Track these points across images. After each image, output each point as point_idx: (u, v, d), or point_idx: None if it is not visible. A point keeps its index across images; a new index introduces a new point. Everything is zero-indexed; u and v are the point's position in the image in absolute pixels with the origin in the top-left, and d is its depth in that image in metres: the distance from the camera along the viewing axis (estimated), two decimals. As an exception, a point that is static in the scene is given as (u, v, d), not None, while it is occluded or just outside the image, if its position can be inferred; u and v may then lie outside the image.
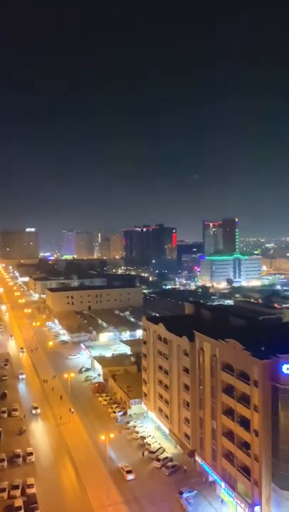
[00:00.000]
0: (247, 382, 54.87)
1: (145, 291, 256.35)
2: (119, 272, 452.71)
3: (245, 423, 55.19)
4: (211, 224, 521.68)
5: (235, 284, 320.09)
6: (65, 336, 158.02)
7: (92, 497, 60.68)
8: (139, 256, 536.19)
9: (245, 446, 55.13)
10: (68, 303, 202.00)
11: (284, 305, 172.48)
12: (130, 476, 65.26)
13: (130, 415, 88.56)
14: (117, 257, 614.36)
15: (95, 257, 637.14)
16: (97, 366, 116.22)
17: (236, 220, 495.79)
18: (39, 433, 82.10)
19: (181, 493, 60.59)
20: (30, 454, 72.13)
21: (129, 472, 65.89)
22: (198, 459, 67.13)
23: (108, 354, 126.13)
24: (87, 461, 70.47)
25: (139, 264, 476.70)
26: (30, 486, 62.72)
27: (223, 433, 60.00)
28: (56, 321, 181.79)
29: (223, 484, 59.14)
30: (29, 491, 61.78)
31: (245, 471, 54.57)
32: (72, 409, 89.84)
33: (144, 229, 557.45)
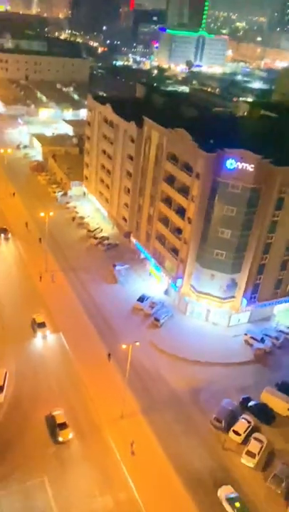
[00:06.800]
0: (189, 173, 54.50)
1: (92, 64, 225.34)
2: (63, 36, 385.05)
3: (181, 211, 57.53)
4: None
5: (194, 69, 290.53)
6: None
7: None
8: (87, 19, 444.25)
9: (178, 231, 59.04)
10: (2, 68, 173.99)
11: (241, 98, 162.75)
12: None
13: (70, 196, 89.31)
14: (60, 15, 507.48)
15: (34, 12, 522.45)
16: (37, 144, 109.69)
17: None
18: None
19: (114, 265, 67.24)
20: None
21: None
22: (133, 239, 72.39)
23: (48, 133, 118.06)
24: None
25: (88, 30, 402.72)
26: None
27: (159, 219, 63.01)
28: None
29: (153, 261, 65.90)
30: None
31: (174, 252, 60.13)
32: (14, 193, 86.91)
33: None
